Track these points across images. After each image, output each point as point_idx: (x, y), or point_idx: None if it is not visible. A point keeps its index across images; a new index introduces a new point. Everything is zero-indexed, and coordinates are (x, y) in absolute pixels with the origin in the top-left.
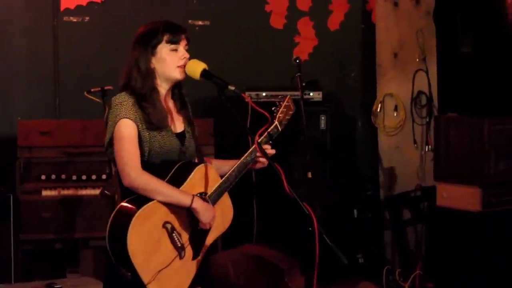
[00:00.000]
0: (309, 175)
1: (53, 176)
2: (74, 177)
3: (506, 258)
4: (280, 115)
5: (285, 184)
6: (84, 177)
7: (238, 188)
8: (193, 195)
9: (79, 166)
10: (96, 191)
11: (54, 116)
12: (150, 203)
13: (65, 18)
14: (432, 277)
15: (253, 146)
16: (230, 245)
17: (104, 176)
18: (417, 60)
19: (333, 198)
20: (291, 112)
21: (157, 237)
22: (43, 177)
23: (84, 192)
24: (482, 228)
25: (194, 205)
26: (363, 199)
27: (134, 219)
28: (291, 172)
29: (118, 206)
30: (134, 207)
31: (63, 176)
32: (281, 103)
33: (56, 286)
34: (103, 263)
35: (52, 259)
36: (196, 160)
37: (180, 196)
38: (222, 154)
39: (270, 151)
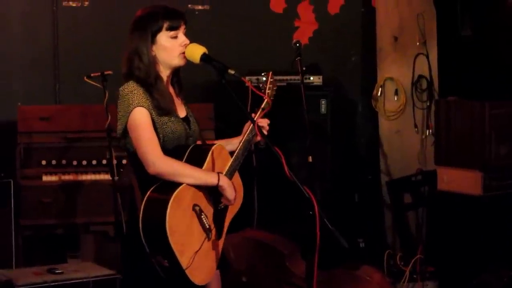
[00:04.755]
0: (310, 159)
1: (54, 162)
2: (75, 162)
3: (507, 241)
4: (269, 91)
5: (285, 168)
6: (84, 162)
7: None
8: (218, 173)
9: (80, 151)
10: (97, 176)
11: (54, 101)
12: (181, 187)
13: (65, 3)
14: (433, 261)
15: (251, 126)
16: (230, 230)
17: (104, 161)
18: (418, 43)
19: (334, 182)
20: (275, 88)
21: (189, 220)
22: (43, 162)
23: (84, 177)
24: (483, 212)
25: (221, 183)
26: (364, 183)
27: (170, 204)
28: (292, 156)
29: (146, 196)
30: (164, 193)
31: (64, 162)
32: (267, 79)
33: (57, 271)
34: (104, 247)
35: (52, 244)
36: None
37: (207, 176)
38: (222, 139)
39: (263, 121)
